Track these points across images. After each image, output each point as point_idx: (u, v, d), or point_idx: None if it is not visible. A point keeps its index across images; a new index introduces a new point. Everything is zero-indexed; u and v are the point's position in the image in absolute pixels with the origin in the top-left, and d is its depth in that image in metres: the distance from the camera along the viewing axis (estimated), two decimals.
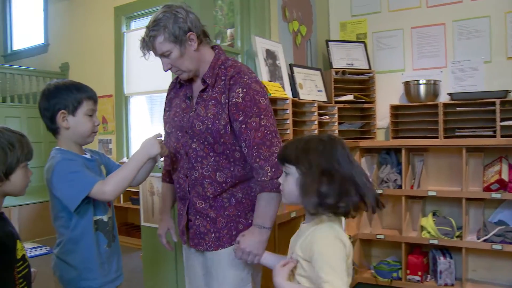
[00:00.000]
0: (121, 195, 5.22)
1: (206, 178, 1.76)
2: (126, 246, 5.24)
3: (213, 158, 1.74)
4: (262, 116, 1.68)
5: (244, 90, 1.69)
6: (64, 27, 6.77)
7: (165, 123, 1.93)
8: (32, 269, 1.57)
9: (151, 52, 1.77)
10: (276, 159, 1.61)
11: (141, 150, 1.66)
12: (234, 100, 1.69)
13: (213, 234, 1.77)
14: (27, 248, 4.99)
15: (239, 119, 1.69)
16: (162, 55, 1.75)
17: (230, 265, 1.77)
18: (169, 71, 1.80)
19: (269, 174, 1.66)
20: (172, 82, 2.00)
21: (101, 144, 5.96)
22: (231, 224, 1.77)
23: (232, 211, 1.77)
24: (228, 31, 4.16)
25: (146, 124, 5.79)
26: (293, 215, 2.70)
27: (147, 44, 1.74)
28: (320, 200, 1.27)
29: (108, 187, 1.57)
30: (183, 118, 1.82)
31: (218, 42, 3.03)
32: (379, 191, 3.51)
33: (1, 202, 1.44)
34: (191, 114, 1.79)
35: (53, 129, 1.69)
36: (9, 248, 1.34)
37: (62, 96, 1.64)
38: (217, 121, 1.71)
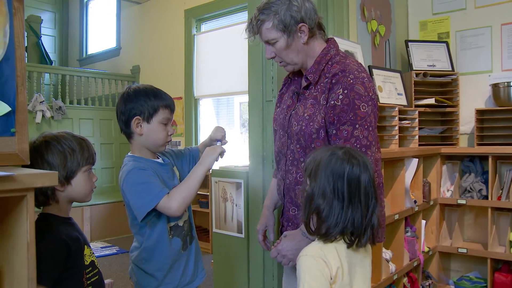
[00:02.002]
0: None
1: (298, 183, 1.63)
2: None
3: (303, 163, 1.61)
4: (357, 126, 1.49)
5: (345, 91, 1.50)
6: (135, 31, 6.95)
7: (274, 120, 1.83)
8: (108, 280, 1.54)
9: (257, 36, 1.66)
10: None
11: (200, 162, 1.64)
12: (332, 102, 1.52)
13: None
14: (97, 248, 5.12)
15: (333, 123, 1.53)
16: (267, 42, 1.63)
17: None
18: (272, 60, 1.71)
19: None
20: (286, 76, 1.87)
21: (170, 146, 6.03)
22: None
23: None
24: None
25: (213, 126, 5.80)
26: (396, 217, 2.62)
27: (253, 27, 1.63)
28: (306, 219, 1.28)
29: (174, 203, 1.54)
30: (285, 116, 1.71)
31: None
32: (462, 201, 3.27)
33: (68, 208, 1.42)
34: (292, 112, 1.67)
35: (127, 133, 1.68)
36: (74, 252, 1.32)
37: (139, 102, 1.62)
38: (311, 123, 1.57)
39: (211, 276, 3.65)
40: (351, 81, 1.51)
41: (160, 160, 1.73)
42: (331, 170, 1.25)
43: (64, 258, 1.27)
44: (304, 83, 1.68)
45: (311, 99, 1.61)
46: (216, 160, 1.66)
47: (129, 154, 1.70)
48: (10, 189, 0.94)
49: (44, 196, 1.34)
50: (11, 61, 1.17)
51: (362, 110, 1.49)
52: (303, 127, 1.59)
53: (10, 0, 1.16)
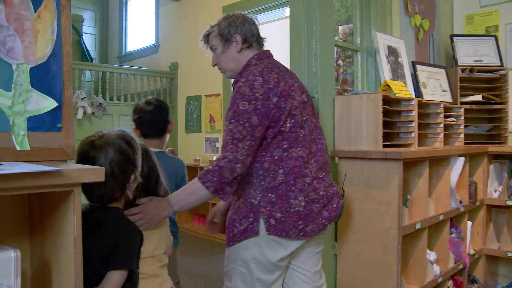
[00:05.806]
0: None
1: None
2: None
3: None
4: (233, 121, 1.69)
5: (234, 93, 1.75)
6: (174, 28, 7.01)
7: None
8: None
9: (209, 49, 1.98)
10: (218, 161, 1.65)
11: None
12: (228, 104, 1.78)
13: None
14: None
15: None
16: (211, 49, 1.96)
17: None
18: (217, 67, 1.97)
19: (208, 167, 1.68)
20: None
21: (208, 142, 6.06)
22: (230, 226, 1.80)
23: (232, 213, 1.81)
24: (340, 28, 3.97)
25: None
26: (441, 218, 2.54)
27: (204, 38, 1.98)
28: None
29: None
30: None
31: (336, 38, 2.86)
32: (511, 203, 3.13)
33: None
34: None
35: None
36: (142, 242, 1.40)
37: None
38: (226, 122, 1.79)
39: None
40: (240, 84, 1.74)
41: None
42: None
43: (140, 246, 1.37)
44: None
45: None
46: None
47: None
48: (58, 184, 0.94)
49: (121, 192, 1.36)
50: (58, 57, 1.18)
51: (241, 107, 1.68)
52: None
53: None
